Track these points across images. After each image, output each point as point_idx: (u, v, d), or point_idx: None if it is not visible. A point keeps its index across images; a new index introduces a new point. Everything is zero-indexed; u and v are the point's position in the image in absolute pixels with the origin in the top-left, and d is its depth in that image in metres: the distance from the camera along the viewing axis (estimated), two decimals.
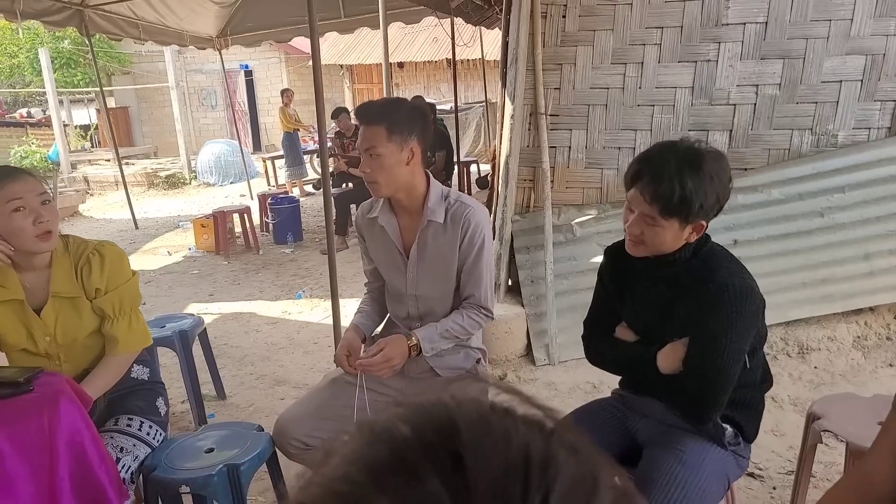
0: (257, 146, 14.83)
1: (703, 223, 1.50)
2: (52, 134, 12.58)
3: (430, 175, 1.98)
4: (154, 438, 1.95)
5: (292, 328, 4.30)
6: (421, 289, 1.96)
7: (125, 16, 6.48)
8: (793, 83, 3.13)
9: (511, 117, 3.19)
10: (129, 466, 1.83)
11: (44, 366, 1.80)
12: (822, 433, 1.87)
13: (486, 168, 8.58)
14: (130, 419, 1.93)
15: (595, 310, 1.83)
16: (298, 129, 9.36)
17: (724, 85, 3.14)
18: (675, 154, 1.45)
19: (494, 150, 3.49)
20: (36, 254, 1.80)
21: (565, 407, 2.99)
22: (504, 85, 3.21)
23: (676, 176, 1.41)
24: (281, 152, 9.64)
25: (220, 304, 4.84)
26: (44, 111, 15.77)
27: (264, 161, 10.52)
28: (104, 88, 9.95)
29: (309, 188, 9.23)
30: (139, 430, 1.92)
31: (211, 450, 1.94)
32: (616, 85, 3.21)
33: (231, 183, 11.28)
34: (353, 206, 6.44)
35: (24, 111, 15.93)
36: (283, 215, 6.58)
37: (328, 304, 4.69)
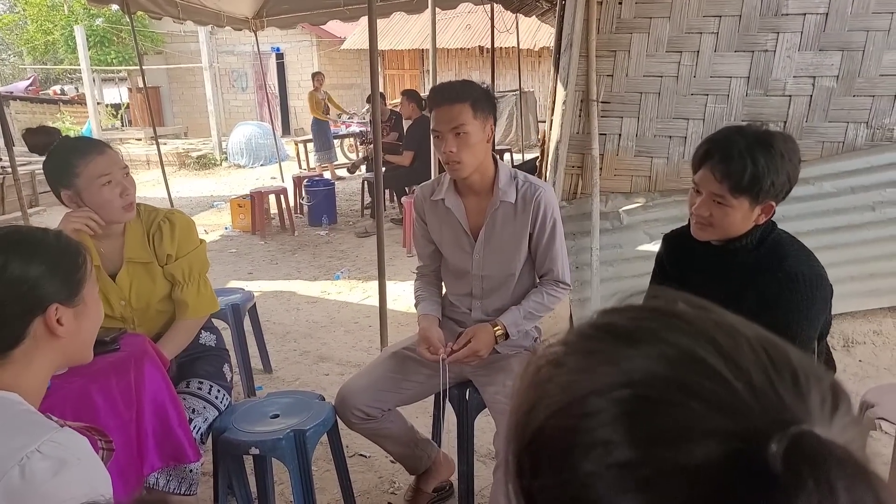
0: (286, 129, 14.94)
1: (773, 204, 1.48)
2: (86, 111, 12.78)
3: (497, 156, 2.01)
4: (221, 402, 2.01)
5: (332, 307, 4.36)
6: (487, 269, 1.99)
7: None
8: (850, 76, 3.09)
9: (563, 103, 3.19)
10: (200, 428, 1.89)
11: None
12: (876, 421, 1.87)
13: (518, 158, 8.57)
14: (201, 383, 1.99)
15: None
16: (327, 119, 9.35)
17: (781, 76, 3.11)
18: (745, 135, 1.45)
19: (543, 136, 3.50)
20: (114, 223, 1.85)
21: None
22: (557, 71, 3.21)
23: (747, 153, 1.41)
24: (310, 136, 9.67)
25: (259, 282, 4.92)
26: (76, 88, 16.01)
27: (296, 144, 10.59)
28: (136, 67, 10.05)
29: (342, 172, 9.27)
30: (209, 393, 1.98)
31: (276, 416, 1.99)
32: (670, 73, 3.19)
33: (261, 165, 11.39)
34: (385, 192, 6.49)
35: (57, 88, 16.17)
36: (318, 197, 6.64)
37: (366, 285, 4.77)
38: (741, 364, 0.38)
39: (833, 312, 3.13)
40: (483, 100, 1.81)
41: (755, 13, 3.06)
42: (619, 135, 3.31)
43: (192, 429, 1.82)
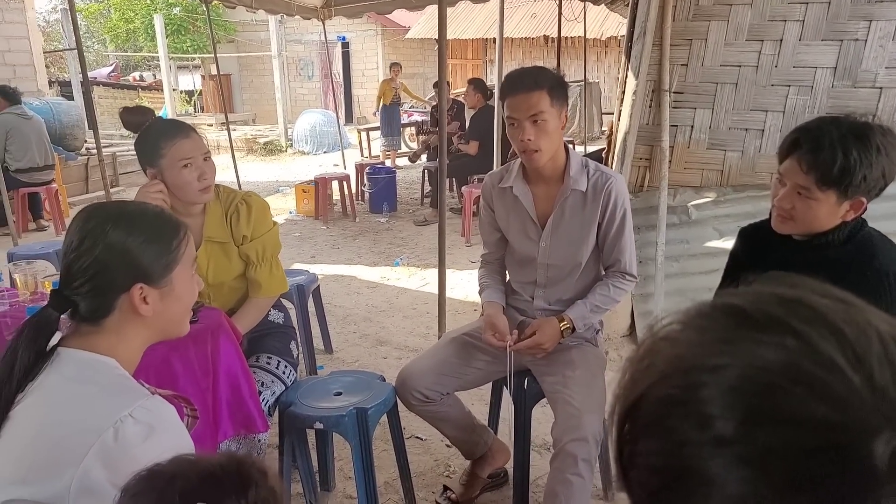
0: (349, 118, 15.16)
1: (863, 201, 1.39)
2: (162, 97, 13.35)
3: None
4: (288, 378, 2.07)
5: (391, 293, 4.42)
6: (553, 258, 1.97)
7: None
8: None
9: (633, 93, 3.12)
10: (268, 401, 1.96)
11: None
12: None
13: (580, 150, 8.43)
14: (269, 358, 2.06)
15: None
16: (399, 102, 9.46)
17: (871, 66, 2.94)
18: (839, 125, 1.37)
19: (611, 127, 3.43)
20: (190, 203, 1.93)
21: None
22: (628, 60, 3.14)
23: (839, 143, 1.33)
24: (375, 124, 9.81)
25: (321, 265, 5.03)
26: (154, 75, 16.70)
27: (358, 132, 10.76)
28: (210, 55, 10.40)
29: (402, 161, 9.37)
30: (276, 368, 2.05)
31: (339, 393, 2.04)
32: (749, 62, 3.07)
33: (324, 152, 11.62)
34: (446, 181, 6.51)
35: (136, 74, 16.91)
36: (379, 185, 6.73)
37: (425, 273, 4.81)
38: (864, 358, 0.37)
39: None
40: (558, 87, 1.79)
41: (846, 0, 2.91)
42: (692, 126, 3.21)
43: (261, 401, 1.89)
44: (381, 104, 9.36)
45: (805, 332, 0.38)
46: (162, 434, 0.96)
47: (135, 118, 1.90)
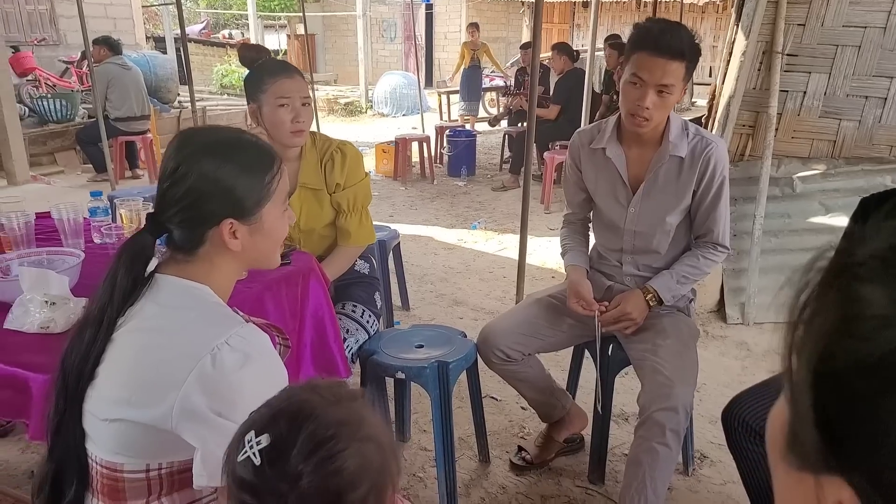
0: (429, 81, 15.09)
1: None
2: None
3: None
4: (372, 327, 2.09)
5: (468, 255, 4.41)
6: (641, 224, 1.88)
7: None
8: None
9: (742, 55, 2.91)
10: (352, 348, 1.98)
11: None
12: None
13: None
14: (355, 306, 2.08)
15: None
16: (479, 65, 9.21)
17: None
18: None
19: (714, 90, 3.23)
20: (289, 147, 1.95)
21: (759, 371, 2.81)
22: (738, 18, 2.92)
23: None
24: (455, 87, 9.67)
25: (399, 225, 5.04)
26: (242, 34, 17.11)
27: (439, 95, 10.68)
28: (295, 15, 10.54)
29: (481, 126, 9.24)
30: (361, 316, 2.07)
31: (420, 346, 2.05)
32: (877, 23, 2.79)
33: (403, 115, 11.64)
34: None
35: (226, 32, 17.38)
36: (459, 148, 6.68)
37: (502, 237, 4.76)
38: None
39: None
40: (695, 59, 1.67)
41: None
42: (804, 93, 2.98)
43: (344, 347, 1.91)
44: (462, 67, 9.16)
45: None
46: (257, 361, 0.97)
47: (251, 54, 1.95)
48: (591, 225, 2.11)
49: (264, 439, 0.70)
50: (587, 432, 2.22)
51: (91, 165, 6.40)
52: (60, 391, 1.01)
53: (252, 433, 0.72)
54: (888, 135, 2.89)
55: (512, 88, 8.01)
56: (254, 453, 0.70)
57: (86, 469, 1.03)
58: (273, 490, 0.69)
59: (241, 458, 0.71)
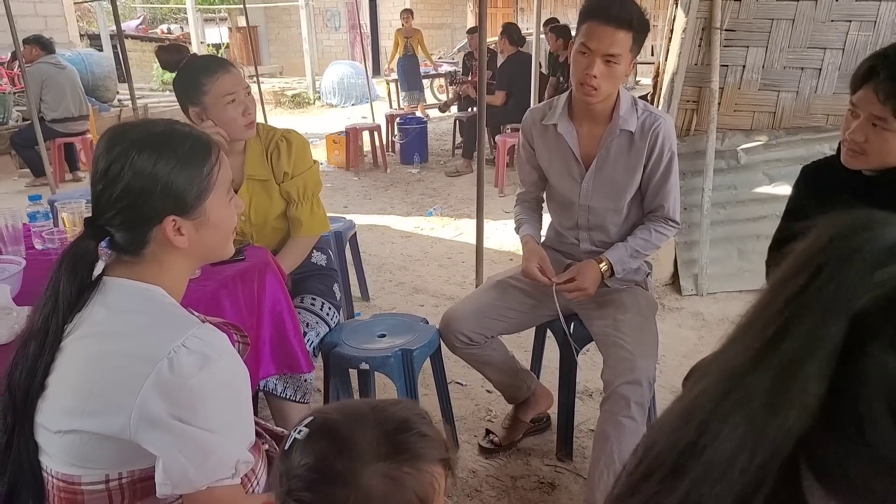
0: (377, 69, 14.93)
1: None
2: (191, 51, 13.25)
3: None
4: (332, 319, 2.07)
5: (425, 242, 4.40)
6: (595, 200, 1.90)
7: None
8: None
9: (682, 31, 2.97)
10: (313, 341, 1.95)
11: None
12: None
13: None
14: (314, 299, 2.05)
15: (786, 232, 1.70)
16: (413, 54, 8.85)
17: None
18: None
19: (658, 68, 3.29)
20: (235, 140, 1.90)
21: (715, 339, 2.90)
22: None
23: None
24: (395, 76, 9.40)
25: (354, 215, 4.96)
26: (181, 28, 16.57)
27: (387, 84, 10.57)
28: (236, 7, 10.26)
29: (432, 112, 9.18)
30: (321, 309, 2.04)
31: (383, 335, 2.04)
32: None
33: (353, 105, 11.49)
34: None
35: (164, 27, 16.79)
36: (410, 135, 6.64)
37: (458, 223, 4.77)
38: None
39: None
40: (643, 31, 1.69)
41: None
42: (743, 66, 3.06)
43: (305, 342, 1.88)
44: (397, 56, 8.87)
45: None
46: (217, 362, 0.94)
47: (171, 56, 1.85)
48: (545, 205, 2.13)
49: None
50: (553, 411, 2.26)
51: (28, 170, 6.12)
52: (8, 408, 0.97)
53: None
54: (824, 104, 3.00)
55: (460, 74, 8.00)
56: None
57: (41, 484, 0.99)
58: None
59: None
